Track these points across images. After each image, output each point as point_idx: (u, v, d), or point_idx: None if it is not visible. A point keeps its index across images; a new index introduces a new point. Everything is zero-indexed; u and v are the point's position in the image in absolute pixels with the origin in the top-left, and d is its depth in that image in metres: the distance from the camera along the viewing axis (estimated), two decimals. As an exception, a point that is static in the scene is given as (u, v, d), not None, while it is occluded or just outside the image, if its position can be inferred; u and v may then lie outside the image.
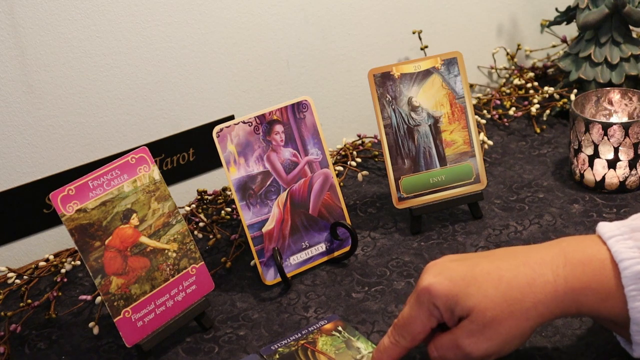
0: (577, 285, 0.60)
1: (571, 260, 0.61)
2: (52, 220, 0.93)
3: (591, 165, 0.92)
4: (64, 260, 0.92)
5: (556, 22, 1.15)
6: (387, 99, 0.88)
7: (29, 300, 0.83)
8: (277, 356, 0.73)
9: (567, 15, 1.13)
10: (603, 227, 0.62)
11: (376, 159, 1.07)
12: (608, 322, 0.63)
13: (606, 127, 0.89)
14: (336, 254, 0.87)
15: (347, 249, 0.87)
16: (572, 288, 0.60)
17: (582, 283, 0.60)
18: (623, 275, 0.59)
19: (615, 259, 0.60)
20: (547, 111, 1.12)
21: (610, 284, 0.59)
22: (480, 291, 0.60)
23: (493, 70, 1.26)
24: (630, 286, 0.59)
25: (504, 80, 1.25)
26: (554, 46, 1.28)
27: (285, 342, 0.75)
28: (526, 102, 1.16)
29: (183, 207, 0.99)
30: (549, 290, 0.60)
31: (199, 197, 0.99)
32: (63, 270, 0.90)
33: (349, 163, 1.05)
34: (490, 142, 1.05)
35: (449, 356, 0.62)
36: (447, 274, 0.62)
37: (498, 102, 1.17)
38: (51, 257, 0.92)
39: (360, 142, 1.10)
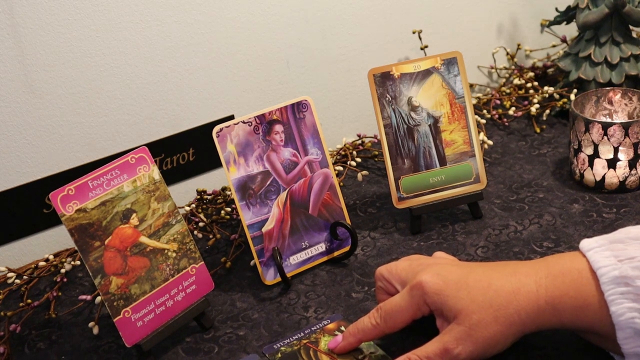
0: (556, 294, 0.63)
1: (552, 272, 0.64)
2: (52, 220, 0.93)
3: (591, 165, 0.92)
4: (63, 260, 0.92)
5: (556, 22, 1.15)
6: (387, 98, 0.88)
7: (29, 300, 0.83)
8: (280, 355, 0.73)
9: (567, 15, 1.13)
10: (583, 242, 0.65)
11: (376, 159, 1.07)
12: (593, 335, 0.65)
13: (606, 127, 0.89)
14: (336, 253, 0.87)
15: (347, 248, 0.87)
16: (552, 297, 0.63)
17: (560, 291, 0.63)
18: (601, 282, 0.61)
19: (592, 267, 0.62)
20: (547, 111, 1.12)
21: (587, 291, 0.62)
22: (469, 296, 0.64)
23: (493, 70, 1.26)
24: (609, 291, 0.61)
25: (504, 80, 1.25)
26: (554, 46, 1.28)
27: (288, 341, 0.75)
28: (526, 102, 1.16)
29: (183, 207, 0.99)
30: (532, 299, 0.63)
31: (199, 197, 0.99)
32: (63, 270, 0.90)
33: (348, 163, 1.05)
34: (490, 142, 1.05)
35: None
36: (443, 275, 0.66)
37: (498, 102, 1.16)
38: (51, 257, 0.93)
39: (360, 142, 1.10)
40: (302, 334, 0.75)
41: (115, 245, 0.73)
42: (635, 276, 0.60)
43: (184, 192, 1.02)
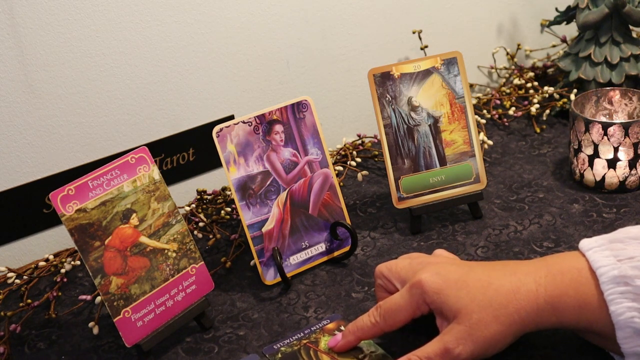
0: (555, 293, 0.63)
1: (552, 271, 0.64)
2: (52, 220, 0.93)
3: (591, 165, 0.92)
4: (63, 260, 0.92)
5: (556, 22, 1.15)
6: (387, 98, 0.88)
7: (29, 300, 0.83)
8: (280, 355, 0.73)
9: (567, 15, 1.13)
10: (583, 242, 0.65)
11: (376, 159, 1.07)
12: (593, 335, 0.65)
13: (606, 127, 0.89)
14: (336, 253, 0.87)
15: (347, 248, 0.87)
16: (551, 296, 0.63)
17: (560, 290, 0.63)
18: (601, 281, 0.61)
19: (592, 267, 0.63)
20: (547, 111, 1.12)
21: (587, 290, 0.62)
22: (469, 295, 0.64)
23: (493, 70, 1.26)
24: (609, 290, 0.61)
25: (504, 80, 1.25)
26: (554, 46, 1.28)
27: (288, 341, 0.75)
28: (526, 102, 1.16)
29: (183, 207, 0.99)
30: (531, 298, 0.63)
31: (199, 197, 0.99)
32: (63, 270, 0.90)
33: (348, 163, 1.05)
34: (490, 142, 1.05)
35: None
36: (443, 274, 0.66)
37: (498, 102, 1.17)
38: (51, 257, 0.93)
39: (360, 142, 1.10)
40: (302, 334, 0.75)
41: (115, 245, 0.73)
42: (635, 275, 0.60)
43: (184, 192, 1.02)
